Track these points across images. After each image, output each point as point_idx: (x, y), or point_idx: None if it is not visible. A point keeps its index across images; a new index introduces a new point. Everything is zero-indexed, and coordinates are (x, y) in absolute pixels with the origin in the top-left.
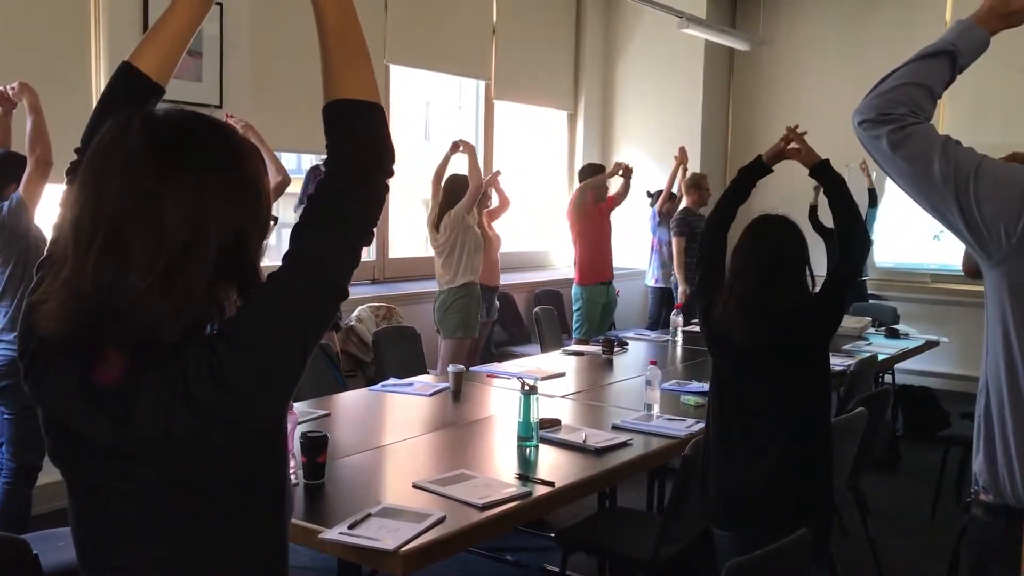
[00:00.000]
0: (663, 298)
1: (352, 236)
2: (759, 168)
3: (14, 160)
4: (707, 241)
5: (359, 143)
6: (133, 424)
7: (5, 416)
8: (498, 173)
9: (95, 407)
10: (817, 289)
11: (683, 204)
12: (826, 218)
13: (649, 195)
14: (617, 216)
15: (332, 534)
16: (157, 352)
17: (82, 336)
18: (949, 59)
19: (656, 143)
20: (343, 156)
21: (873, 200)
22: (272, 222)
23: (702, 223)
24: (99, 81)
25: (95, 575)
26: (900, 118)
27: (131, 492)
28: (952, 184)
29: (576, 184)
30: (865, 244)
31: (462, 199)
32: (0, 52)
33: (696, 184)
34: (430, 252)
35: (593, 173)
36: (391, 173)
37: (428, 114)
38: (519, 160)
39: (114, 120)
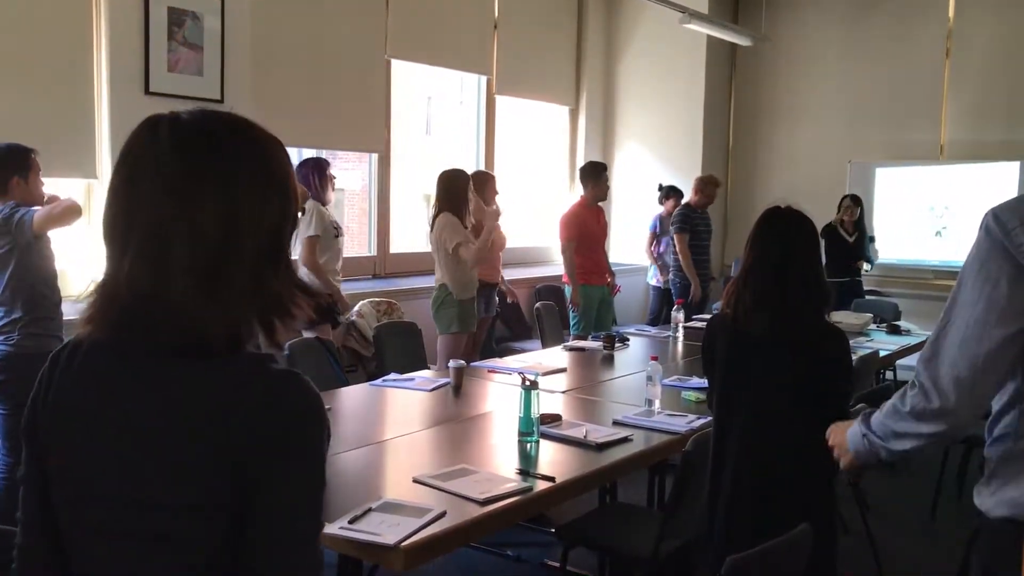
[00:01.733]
0: (664, 295)
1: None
2: None
3: (16, 152)
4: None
5: None
6: (148, 441)
7: (1, 412)
8: (498, 214)
9: (108, 419)
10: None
11: (686, 200)
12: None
13: (660, 188)
14: (620, 212)
15: (333, 529)
16: (203, 350)
17: (120, 340)
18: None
19: (657, 138)
20: None
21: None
22: (300, 212)
23: (701, 221)
24: (100, 80)
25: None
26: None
27: (132, 531)
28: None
29: (577, 181)
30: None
31: (464, 201)
32: (1, 52)
33: (704, 188)
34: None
35: (594, 172)
36: None
37: (429, 109)
38: (520, 155)
39: (140, 124)
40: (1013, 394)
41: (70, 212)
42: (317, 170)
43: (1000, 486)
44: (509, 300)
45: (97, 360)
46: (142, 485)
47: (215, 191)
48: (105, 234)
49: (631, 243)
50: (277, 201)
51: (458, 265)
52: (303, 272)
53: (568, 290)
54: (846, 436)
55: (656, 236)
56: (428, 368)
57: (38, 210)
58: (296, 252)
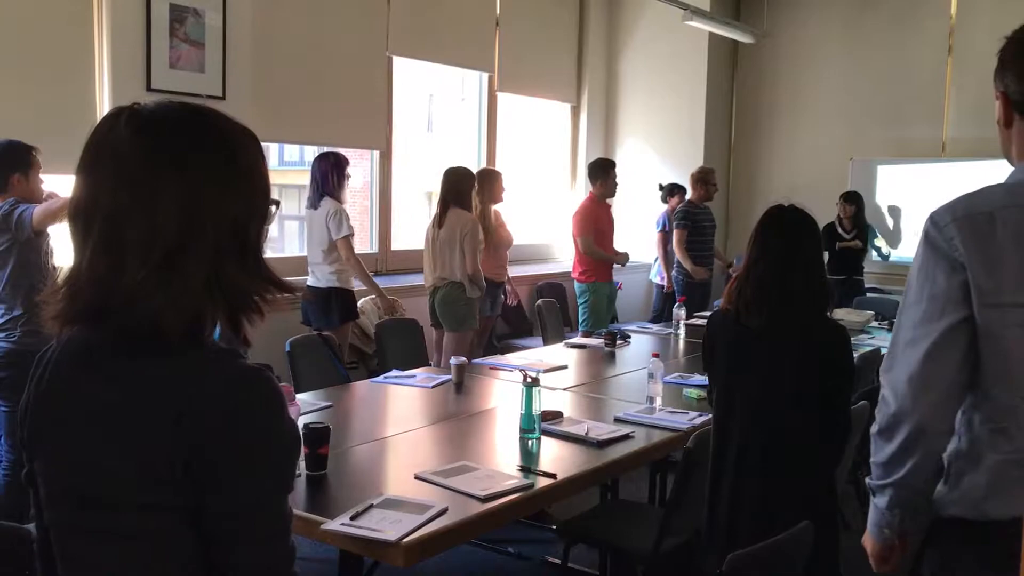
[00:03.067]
0: (668, 292)
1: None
2: None
3: (17, 149)
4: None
5: None
6: (112, 438)
7: (3, 409)
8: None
9: (82, 414)
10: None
11: (688, 196)
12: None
13: (661, 187)
14: (622, 209)
15: (334, 525)
16: (158, 344)
17: (85, 336)
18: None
19: (659, 136)
20: None
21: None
22: (274, 207)
23: (704, 216)
24: (102, 76)
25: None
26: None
27: (98, 530)
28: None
29: (581, 178)
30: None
31: (470, 199)
32: (3, 48)
33: (703, 179)
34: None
35: (604, 168)
36: None
37: (431, 106)
38: (522, 152)
39: (105, 115)
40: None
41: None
42: (337, 168)
43: (951, 485)
44: (511, 302)
45: (65, 359)
46: (108, 485)
47: (173, 181)
48: (70, 226)
49: (633, 240)
50: (242, 194)
51: (480, 253)
52: (334, 273)
53: (578, 286)
54: (865, 537)
55: (666, 234)
56: (429, 365)
57: (37, 207)
58: (320, 254)
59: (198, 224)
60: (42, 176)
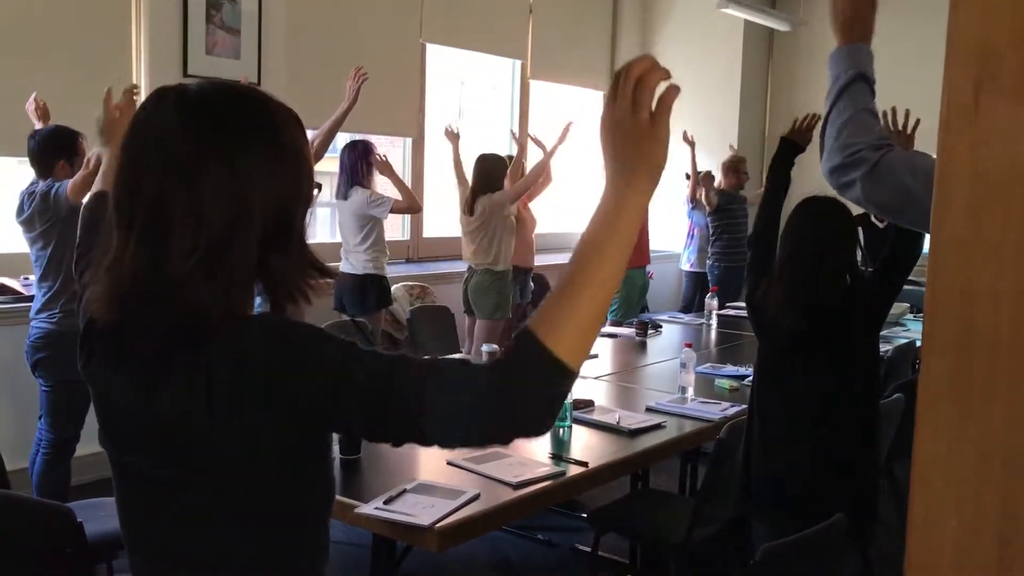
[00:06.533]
0: (698, 282)
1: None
2: (789, 150)
3: (64, 135)
4: (760, 228)
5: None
6: (160, 399)
7: (43, 388)
8: (568, 129)
9: (131, 377)
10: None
11: (720, 186)
12: None
13: (688, 177)
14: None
15: (368, 509)
16: (198, 330)
17: (125, 318)
18: (864, 81)
19: (693, 124)
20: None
21: None
22: (316, 190)
23: (738, 205)
24: (140, 62)
25: (136, 556)
26: (866, 157)
27: (163, 479)
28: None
29: None
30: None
31: (501, 187)
32: (43, 35)
33: (734, 167)
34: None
35: None
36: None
37: (463, 93)
38: (553, 140)
39: (151, 94)
40: None
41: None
42: (365, 156)
43: None
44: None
45: (108, 342)
46: (162, 462)
47: (219, 168)
48: (114, 212)
49: (664, 229)
50: (288, 177)
51: (510, 236)
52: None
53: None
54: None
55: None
56: (460, 352)
57: (70, 181)
58: (355, 241)
59: (244, 212)
60: None
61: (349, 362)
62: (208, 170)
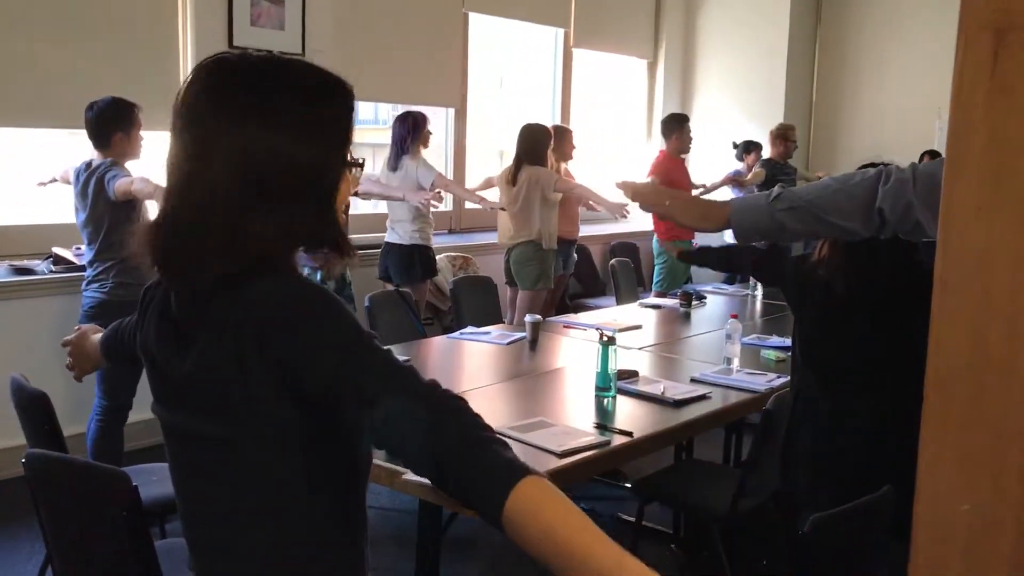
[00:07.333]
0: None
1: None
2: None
3: (121, 107)
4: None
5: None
6: (194, 354)
7: None
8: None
9: (171, 333)
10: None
11: (767, 155)
12: None
13: (735, 146)
14: (698, 166)
15: (414, 475)
16: (227, 283)
17: (168, 276)
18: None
19: (738, 93)
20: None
21: None
22: (359, 167)
23: (786, 176)
24: (185, 34)
25: (186, 519)
26: (894, 181)
27: (204, 437)
28: None
29: (656, 135)
30: None
31: (544, 158)
32: (90, 9)
33: (783, 135)
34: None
35: (677, 123)
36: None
37: (505, 62)
38: (596, 110)
39: (194, 68)
40: None
41: (147, 197)
42: (415, 129)
43: None
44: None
45: (155, 297)
46: (203, 420)
47: (243, 133)
48: (166, 173)
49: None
50: (320, 143)
51: (552, 211)
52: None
53: (656, 246)
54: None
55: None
56: (503, 322)
57: (123, 179)
58: (404, 211)
59: (270, 172)
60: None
61: (354, 360)
62: (233, 134)
